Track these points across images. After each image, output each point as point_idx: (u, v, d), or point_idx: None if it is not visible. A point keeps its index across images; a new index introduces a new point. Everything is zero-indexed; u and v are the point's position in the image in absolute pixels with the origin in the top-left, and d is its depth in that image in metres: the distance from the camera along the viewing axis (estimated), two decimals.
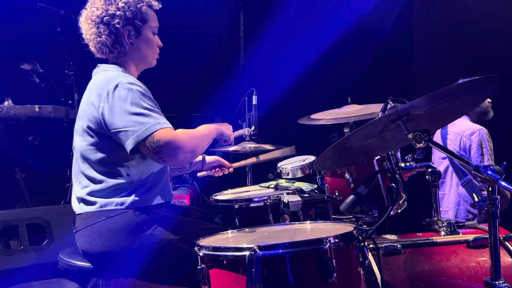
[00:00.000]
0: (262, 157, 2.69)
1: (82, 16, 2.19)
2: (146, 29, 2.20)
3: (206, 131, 2.15)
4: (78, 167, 2.11)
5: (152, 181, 2.11)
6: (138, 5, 2.16)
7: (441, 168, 3.92)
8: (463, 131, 3.84)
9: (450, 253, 2.00)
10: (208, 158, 2.63)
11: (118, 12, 2.11)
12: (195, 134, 2.07)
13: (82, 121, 2.09)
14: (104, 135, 2.02)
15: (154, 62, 2.31)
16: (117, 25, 2.12)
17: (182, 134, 1.96)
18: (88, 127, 2.05)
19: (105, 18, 2.11)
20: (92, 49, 2.21)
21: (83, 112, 2.09)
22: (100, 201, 2.04)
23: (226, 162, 2.68)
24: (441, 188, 3.96)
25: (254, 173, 3.23)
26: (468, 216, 3.80)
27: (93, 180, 2.06)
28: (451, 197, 3.90)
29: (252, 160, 2.71)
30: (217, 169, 2.67)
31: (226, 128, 2.28)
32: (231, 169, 2.69)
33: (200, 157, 2.61)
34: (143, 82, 2.09)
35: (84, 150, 2.08)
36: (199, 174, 2.71)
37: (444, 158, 3.92)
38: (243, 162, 2.72)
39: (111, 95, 1.97)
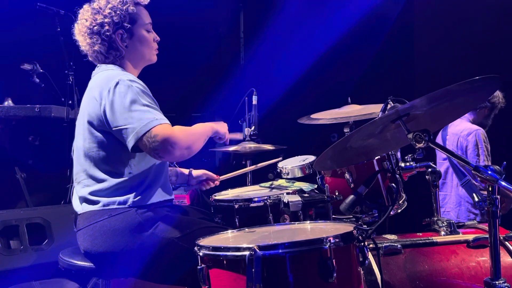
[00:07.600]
0: (250, 168, 2.70)
1: (76, 29, 2.23)
2: (138, 28, 2.22)
3: (202, 129, 2.18)
4: (80, 166, 2.12)
5: (152, 179, 2.12)
6: (124, 7, 2.17)
7: (442, 168, 3.91)
8: (460, 132, 3.84)
9: (450, 253, 2.00)
10: (195, 172, 2.61)
11: (106, 20, 2.14)
12: (191, 131, 2.10)
13: (84, 120, 2.10)
14: (106, 132, 2.03)
15: (154, 58, 2.31)
16: (107, 33, 2.14)
17: (179, 130, 1.98)
18: (91, 124, 2.06)
19: (95, 28, 2.14)
20: (90, 58, 2.25)
21: (85, 110, 2.10)
22: (103, 200, 2.04)
23: (214, 175, 2.66)
24: (443, 189, 3.96)
25: (254, 173, 3.23)
26: (470, 216, 3.80)
27: (95, 179, 2.07)
28: (452, 198, 3.90)
29: (240, 171, 2.71)
30: (204, 183, 2.64)
31: (221, 127, 2.31)
32: (217, 182, 2.66)
33: (186, 171, 2.60)
34: (143, 82, 2.10)
35: (86, 148, 2.08)
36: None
37: (445, 159, 3.92)
38: (230, 175, 2.69)
39: (112, 92, 1.98)
